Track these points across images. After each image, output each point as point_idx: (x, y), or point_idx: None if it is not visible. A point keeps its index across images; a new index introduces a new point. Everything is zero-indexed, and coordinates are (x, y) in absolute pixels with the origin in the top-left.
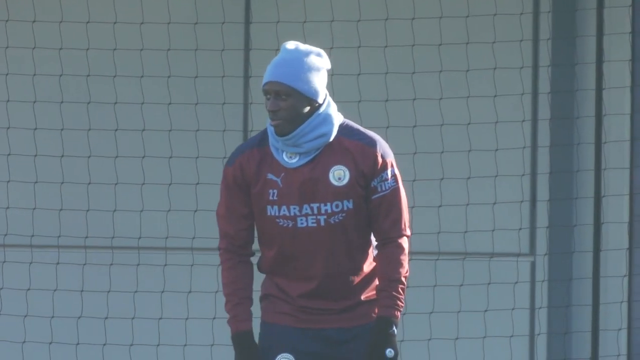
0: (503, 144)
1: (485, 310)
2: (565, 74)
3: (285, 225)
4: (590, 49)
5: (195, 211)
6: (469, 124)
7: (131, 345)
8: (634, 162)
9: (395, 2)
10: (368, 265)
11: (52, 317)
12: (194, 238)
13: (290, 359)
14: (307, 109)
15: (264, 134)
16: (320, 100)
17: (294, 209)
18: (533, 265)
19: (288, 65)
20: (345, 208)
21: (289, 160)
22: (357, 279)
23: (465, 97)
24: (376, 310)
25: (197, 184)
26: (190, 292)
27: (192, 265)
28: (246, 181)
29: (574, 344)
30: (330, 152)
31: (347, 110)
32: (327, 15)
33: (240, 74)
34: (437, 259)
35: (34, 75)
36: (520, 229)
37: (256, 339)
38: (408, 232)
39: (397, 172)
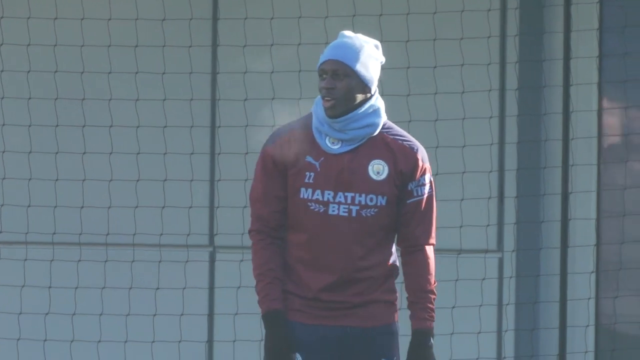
0: (470, 141)
1: (453, 307)
2: (533, 71)
3: (316, 209)
4: (557, 46)
5: (163, 207)
6: (436, 120)
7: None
8: (601, 159)
9: None
10: (387, 265)
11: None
12: (161, 235)
13: (300, 358)
14: (360, 95)
15: (307, 117)
16: (372, 90)
17: (328, 194)
18: (501, 262)
19: (349, 47)
20: (378, 203)
21: (331, 145)
22: (375, 276)
23: (432, 94)
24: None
25: (165, 180)
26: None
27: (159, 262)
28: (284, 162)
29: (542, 340)
30: (373, 146)
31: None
32: (295, 12)
33: (208, 70)
34: None
35: None
36: (487, 225)
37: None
38: (434, 241)
39: (432, 180)
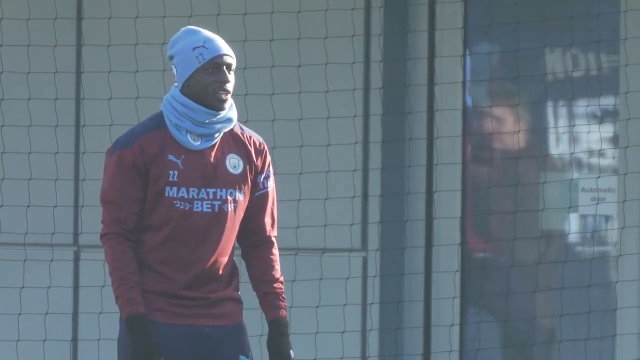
0: (335, 140)
1: (317, 306)
2: (397, 69)
3: (182, 207)
4: (422, 45)
5: (28, 206)
6: (300, 119)
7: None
8: (466, 158)
9: None
10: (233, 263)
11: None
12: (26, 233)
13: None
14: None
15: (159, 117)
16: None
17: (193, 191)
18: (365, 261)
19: (226, 43)
20: (236, 197)
21: (193, 142)
22: (227, 272)
23: (297, 93)
24: (273, 313)
25: (30, 179)
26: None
27: (24, 261)
28: (145, 163)
29: (406, 339)
30: (227, 140)
31: None
32: (159, 11)
33: (72, 69)
34: None
35: None
36: (352, 224)
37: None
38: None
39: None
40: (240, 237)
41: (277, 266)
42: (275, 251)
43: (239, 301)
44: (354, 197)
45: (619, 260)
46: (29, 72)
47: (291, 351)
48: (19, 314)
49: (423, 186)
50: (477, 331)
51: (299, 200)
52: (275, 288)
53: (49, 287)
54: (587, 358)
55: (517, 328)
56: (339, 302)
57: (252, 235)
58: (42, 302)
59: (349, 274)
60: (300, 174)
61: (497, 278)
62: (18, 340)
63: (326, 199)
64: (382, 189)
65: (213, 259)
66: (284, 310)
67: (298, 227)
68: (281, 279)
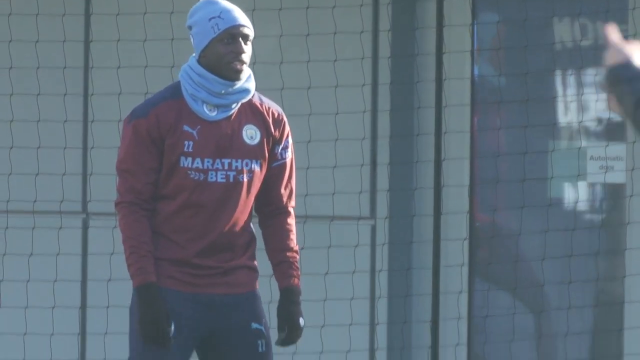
0: (343, 108)
1: (326, 274)
2: (406, 39)
3: (196, 178)
4: (430, 14)
5: (37, 175)
6: (309, 88)
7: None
8: (474, 126)
9: None
10: (250, 231)
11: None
12: (35, 201)
13: (171, 324)
14: None
15: (175, 87)
16: None
17: (208, 162)
18: (373, 229)
19: (244, 13)
20: (252, 168)
21: (209, 112)
22: (242, 241)
23: (305, 62)
24: (286, 282)
25: (39, 147)
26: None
27: (33, 229)
28: (161, 133)
29: (415, 306)
30: (245, 111)
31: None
32: (141, 8)
33: (81, 38)
34: None
35: None
36: (360, 192)
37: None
38: (294, 203)
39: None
40: (257, 206)
41: (293, 236)
42: (292, 221)
43: (254, 269)
44: (362, 165)
45: (627, 228)
46: (37, 41)
47: (301, 319)
48: (28, 281)
49: (432, 154)
50: (485, 298)
51: (308, 168)
52: (289, 257)
53: (57, 255)
54: (595, 324)
55: (525, 295)
56: (347, 269)
57: (270, 205)
58: (51, 269)
59: (358, 242)
60: (309, 142)
61: (506, 246)
62: (27, 307)
63: (335, 167)
64: (390, 157)
65: (227, 228)
66: (297, 279)
67: (307, 195)
68: (296, 248)
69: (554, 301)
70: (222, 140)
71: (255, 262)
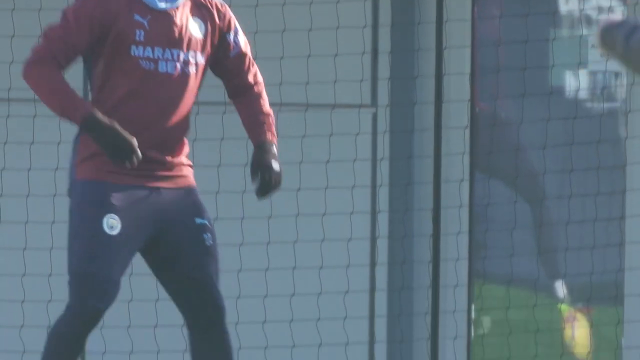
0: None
1: (327, 162)
2: None
3: (146, 67)
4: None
5: None
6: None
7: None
8: (475, 14)
9: None
10: (188, 128)
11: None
12: None
13: (117, 219)
14: None
15: None
16: None
17: (158, 51)
18: (375, 117)
19: None
20: (198, 60)
21: (158, 2)
22: (183, 135)
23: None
24: (258, 138)
25: None
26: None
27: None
28: (107, 20)
29: (416, 194)
30: (190, 4)
31: None
32: None
33: None
34: (279, 111)
35: None
36: (362, 80)
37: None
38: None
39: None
40: (230, 96)
41: (262, 100)
42: (260, 91)
43: (190, 165)
44: (363, 53)
45: (628, 117)
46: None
47: (274, 162)
48: (29, 170)
49: (432, 42)
50: (487, 187)
51: (309, 56)
52: (263, 119)
53: (59, 143)
54: (596, 213)
55: (524, 184)
56: (348, 157)
57: (236, 91)
58: (52, 158)
59: (359, 130)
60: (310, 30)
61: (506, 134)
62: (28, 196)
63: (336, 55)
64: (391, 45)
65: (174, 121)
66: (268, 134)
67: (307, 83)
68: (269, 111)
69: (554, 190)
70: (172, 30)
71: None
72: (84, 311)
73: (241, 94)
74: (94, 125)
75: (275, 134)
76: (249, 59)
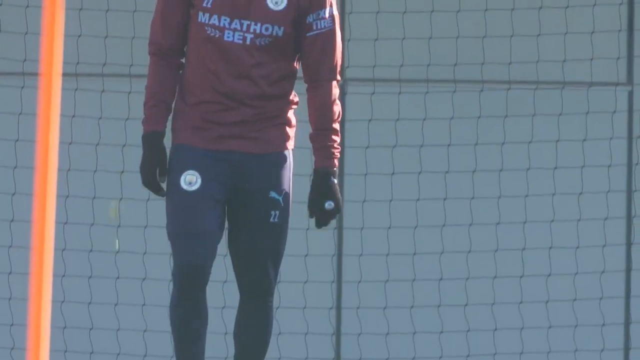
0: None
1: (584, 140)
2: None
3: (212, 34)
4: None
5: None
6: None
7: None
8: None
9: None
10: (284, 99)
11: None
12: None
13: (196, 175)
14: None
15: None
16: None
17: (224, 20)
18: (630, 95)
19: None
20: (274, 34)
21: None
22: (269, 107)
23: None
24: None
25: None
26: None
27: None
28: None
29: None
30: None
31: None
32: None
33: None
34: (536, 89)
35: None
36: (618, 58)
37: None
38: (338, 77)
39: (335, 13)
40: (304, 79)
41: (326, 111)
42: (327, 96)
43: (283, 127)
44: (619, 30)
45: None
46: None
47: (328, 203)
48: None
49: None
50: None
51: (565, 34)
52: (318, 136)
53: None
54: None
55: None
56: (604, 135)
57: (306, 77)
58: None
59: (615, 108)
60: (567, 7)
61: None
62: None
63: (592, 32)
64: None
65: (244, 89)
66: (325, 160)
67: (564, 60)
68: (328, 125)
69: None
70: (240, 2)
71: (292, 125)
72: (179, 271)
73: (312, 89)
74: (145, 145)
75: (335, 152)
76: (331, 48)
